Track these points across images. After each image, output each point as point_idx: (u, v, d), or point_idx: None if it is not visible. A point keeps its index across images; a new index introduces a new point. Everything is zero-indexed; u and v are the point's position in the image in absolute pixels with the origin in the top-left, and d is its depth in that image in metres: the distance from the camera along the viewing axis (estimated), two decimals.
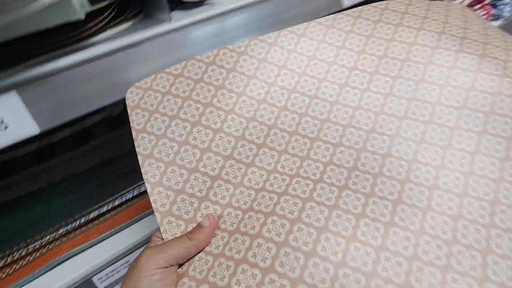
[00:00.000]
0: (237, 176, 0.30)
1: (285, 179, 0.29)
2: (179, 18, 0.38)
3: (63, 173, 0.52)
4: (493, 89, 0.31)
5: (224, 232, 0.28)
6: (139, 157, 0.31)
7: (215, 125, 0.32)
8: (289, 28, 0.36)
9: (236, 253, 0.26)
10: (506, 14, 0.86)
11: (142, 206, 0.49)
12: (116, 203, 0.48)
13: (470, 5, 0.86)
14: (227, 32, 0.41)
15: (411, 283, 0.22)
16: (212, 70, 0.34)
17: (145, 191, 0.50)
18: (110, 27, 0.37)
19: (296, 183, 0.29)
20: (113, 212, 0.48)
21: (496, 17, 0.88)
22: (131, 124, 0.32)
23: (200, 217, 0.29)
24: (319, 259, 0.24)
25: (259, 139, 0.32)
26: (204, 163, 0.30)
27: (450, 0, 0.51)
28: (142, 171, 0.30)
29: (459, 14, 0.39)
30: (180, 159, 0.30)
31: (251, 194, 0.29)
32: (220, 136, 0.31)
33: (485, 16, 0.86)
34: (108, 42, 0.35)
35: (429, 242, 0.24)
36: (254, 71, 0.34)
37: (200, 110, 0.32)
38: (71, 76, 0.32)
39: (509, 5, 0.88)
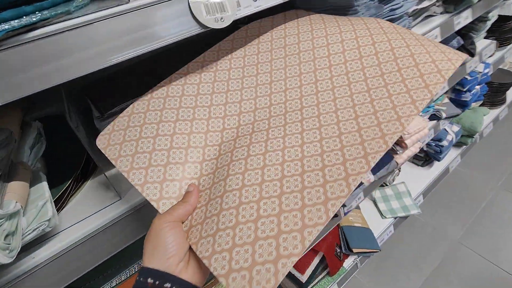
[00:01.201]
0: (199, 156, 0.41)
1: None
2: None
3: None
4: None
5: (206, 190, 0.38)
6: (123, 174, 0.38)
7: (170, 131, 0.42)
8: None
9: (218, 193, 0.37)
10: None
11: None
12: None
13: None
14: None
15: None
16: (153, 102, 0.44)
17: None
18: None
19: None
20: None
21: None
22: (108, 158, 0.40)
23: (184, 191, 0.38)
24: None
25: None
26: (172, 157, 0.40)
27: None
28: (129, 180, 0.38)
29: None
30: (154, 161, 0.39)
31: (213, 164, 0.40)
32: (176, 137, 0.42)
33: None
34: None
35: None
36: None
37: (155, 127, 0.42)
38: None
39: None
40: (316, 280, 0.98)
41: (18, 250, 0.31)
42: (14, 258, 0.30)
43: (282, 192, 0.34)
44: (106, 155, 0.39)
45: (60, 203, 0.43)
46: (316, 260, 0.97)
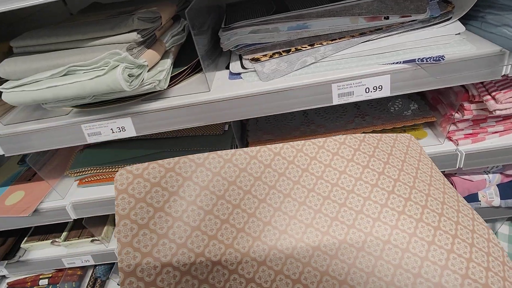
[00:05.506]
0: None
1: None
2: None
3: None
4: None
5: None
6: (117, 240, 0.32)
7: (195, 222, 0.35)
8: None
9: None
10: None
11: None
12: None
13: None
14: None
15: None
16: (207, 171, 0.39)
17: None
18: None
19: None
20: None
21: None
22: (115, 208, 0.33)
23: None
24: None
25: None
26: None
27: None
28: (117, 246, 0.32)
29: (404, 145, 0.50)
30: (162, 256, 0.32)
31: None
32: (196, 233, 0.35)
33: None
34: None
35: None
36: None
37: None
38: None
39: None
40: None
41: (134, 87, 0.48)
42: (130, 89, 0.47)
43: None
44: (115, 202, 0.33)
45: (175, 79, 0.59)
46: None
